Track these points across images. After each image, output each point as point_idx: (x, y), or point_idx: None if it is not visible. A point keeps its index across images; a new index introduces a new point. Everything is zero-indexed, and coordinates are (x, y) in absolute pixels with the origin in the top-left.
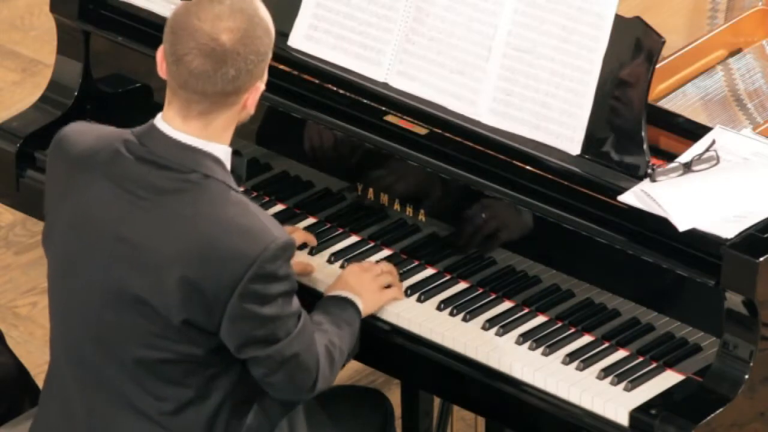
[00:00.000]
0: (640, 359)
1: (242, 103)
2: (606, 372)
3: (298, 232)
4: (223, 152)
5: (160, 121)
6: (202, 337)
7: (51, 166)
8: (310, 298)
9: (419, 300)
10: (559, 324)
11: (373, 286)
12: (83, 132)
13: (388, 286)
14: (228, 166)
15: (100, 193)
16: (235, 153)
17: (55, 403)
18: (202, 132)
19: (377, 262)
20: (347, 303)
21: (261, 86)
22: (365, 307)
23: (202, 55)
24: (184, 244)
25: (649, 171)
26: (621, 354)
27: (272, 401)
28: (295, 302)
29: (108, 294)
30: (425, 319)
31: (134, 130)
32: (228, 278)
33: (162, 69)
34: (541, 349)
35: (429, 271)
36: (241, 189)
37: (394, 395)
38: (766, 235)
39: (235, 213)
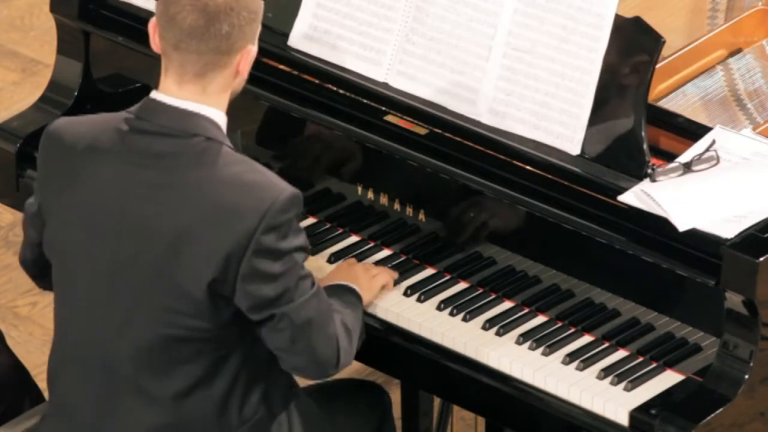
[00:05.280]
0: (640, 359)
1: (235, 67)
2: (606, 372)
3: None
4: (220, 118)
5: (155, 93)
6: (215, 308)
7: (47, 161)
8: None
9: (419, 300)
10: (559, 324)
11: (365, 275)
12: (73, 123)
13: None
14: (224, 132)
15: (108, 175)
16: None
17: (62, 400)
18: (199, 96)
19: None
20: (345, 289)
21: (253, 50)
22: (362, 293)
23: (195, 11)
24: (194, 207)
25: (649, 171)
26: (621, 354)
27: (275, 389)
28: (308, 269)
29: (121, 271)
30: (425, 319)
31: (130, 110)
32: (241, 234)
33: (154, 41)
34: (541, 349)
35: (429, 271)
36: None
37: (394, 395)
38: (766, 235)
39: (240, 170)
